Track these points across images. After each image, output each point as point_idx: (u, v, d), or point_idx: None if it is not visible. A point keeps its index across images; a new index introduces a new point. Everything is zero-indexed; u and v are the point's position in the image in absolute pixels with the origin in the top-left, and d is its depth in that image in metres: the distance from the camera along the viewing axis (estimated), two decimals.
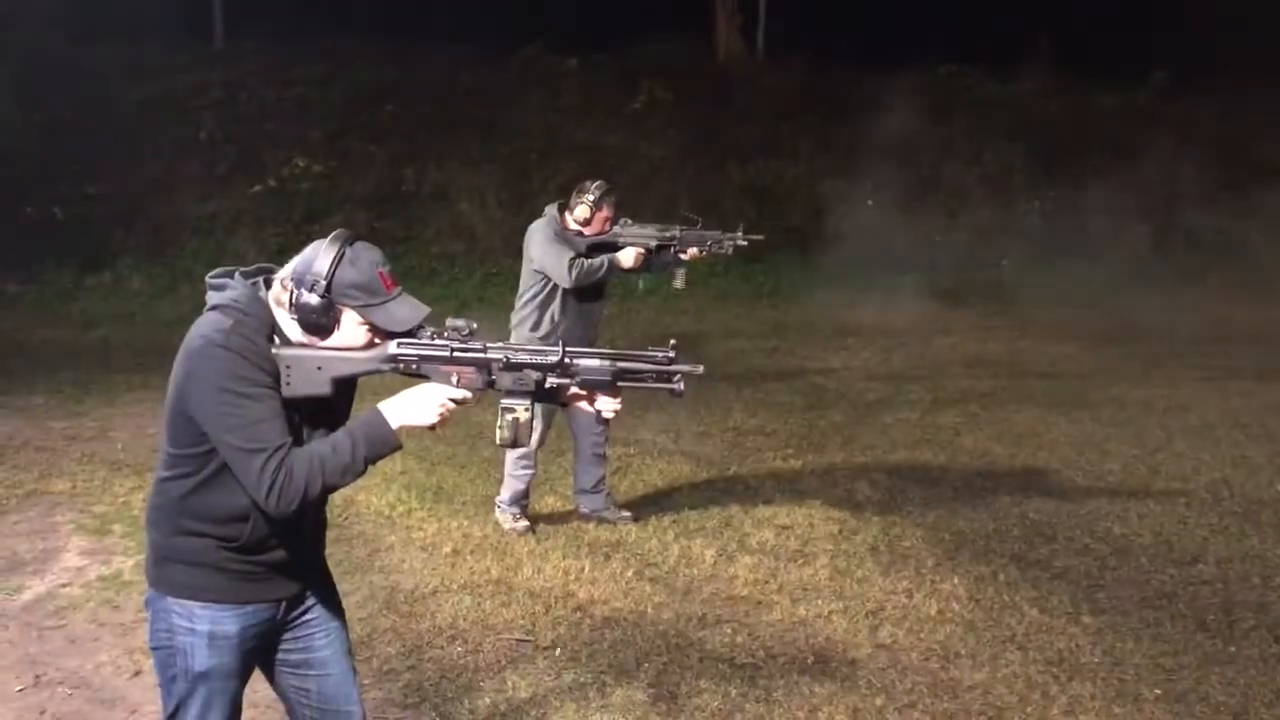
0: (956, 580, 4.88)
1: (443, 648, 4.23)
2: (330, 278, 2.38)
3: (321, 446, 2.37)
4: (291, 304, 2.41)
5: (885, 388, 8.59)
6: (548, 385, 2.50)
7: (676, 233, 5.43)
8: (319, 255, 2.40)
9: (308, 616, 2.62)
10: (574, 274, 5.18)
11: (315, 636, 2.62)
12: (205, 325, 2.39)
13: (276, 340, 2.42)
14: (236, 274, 2.47)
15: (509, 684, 3.95)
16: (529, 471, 5.39)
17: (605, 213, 5.34)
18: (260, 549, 2.47)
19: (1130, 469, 6.56)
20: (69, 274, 11.48)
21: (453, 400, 2.45)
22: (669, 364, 2.52)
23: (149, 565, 2.54)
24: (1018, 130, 14.87)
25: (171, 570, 2.48)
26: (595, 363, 2.50)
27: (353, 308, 2.41)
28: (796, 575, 4.92)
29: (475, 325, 2.48)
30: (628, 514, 5.57)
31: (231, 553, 2.45)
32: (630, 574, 4.90)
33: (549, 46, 14.56)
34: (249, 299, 2.42)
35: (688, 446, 6.96)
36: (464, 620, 4.44)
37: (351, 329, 2.44)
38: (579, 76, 14.67)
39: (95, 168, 12.09)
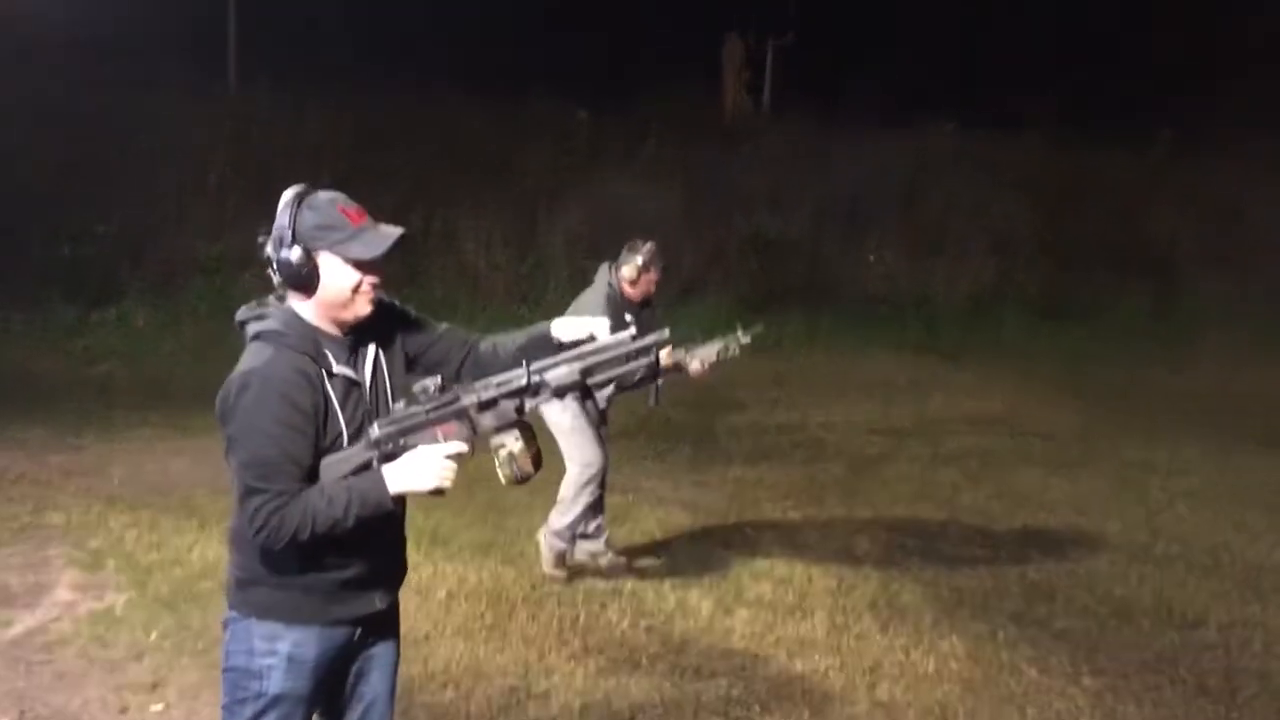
0: (955, 638, 4.84)
1: (434, 694, 4.19)
2: (293, 226, 2.41)
3: (317, 499, 2.37)
4: (274, 267, 2.44)
5: (886, 442, 8.57)
6: (528, 408, 2.52)
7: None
8: (280, 213, 2.44)
9: (374, 651, 2.65)
10: None
11: (373, 673, 2.66)
12: (247, 357, 2.43)
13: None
14: (270, 299, 2.53)
15: None
16: (594, 495, 5.36)
17: (652, 275, 5.37)
18: (344, 563, 2.49)
19: (1131, 531, 6.53)
20: (74, 309, 11.49)
21: (449, 456, 2.44)
22: (633, 342, 2.55)
23: (230, 586, 2.55)
24: (1021, 188, 14.99)
25: (256, 592, 2.50)
26: (563, 369, 2.53)
27: (324, 248, 2.43)
28: (794, 629, 4.88)
29: (439, 381, 2.49)
30: (623, 560, 5.54)
31: (316, 572, 2.47)
32: (626, 624, 4.86)
33: (558, 95, 14.73)
34: (285, 318, 2.46)
35: (686, 496, 6.93)
36: (456, 666, 4.40)
37: (335, 271, 2.44)
38: (588, 126, 14.81)
39: (105, 207, 12.15)
